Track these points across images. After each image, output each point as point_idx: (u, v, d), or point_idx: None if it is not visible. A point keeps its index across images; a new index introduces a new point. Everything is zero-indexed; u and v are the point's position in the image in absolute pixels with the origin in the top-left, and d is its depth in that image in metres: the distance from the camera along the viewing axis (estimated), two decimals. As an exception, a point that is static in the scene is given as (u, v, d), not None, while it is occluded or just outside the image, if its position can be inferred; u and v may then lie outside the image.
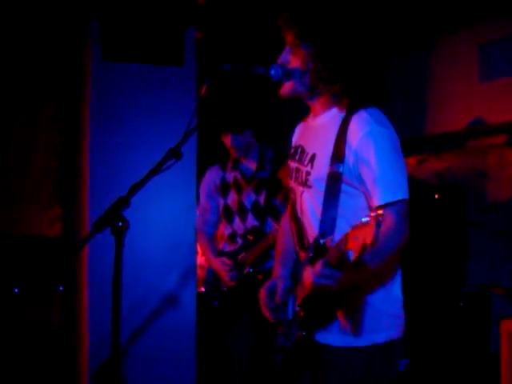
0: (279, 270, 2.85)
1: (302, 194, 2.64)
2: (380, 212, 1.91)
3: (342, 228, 2.44)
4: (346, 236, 2.02)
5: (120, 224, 2.32)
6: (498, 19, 4.92)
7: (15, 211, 5.36)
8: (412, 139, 5.44)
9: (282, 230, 2.98)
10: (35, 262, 5.16)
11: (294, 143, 2.83)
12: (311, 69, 2.51)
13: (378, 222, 1.90)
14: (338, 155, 2.46)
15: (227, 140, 4.21)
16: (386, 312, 2.58)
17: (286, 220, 2.97)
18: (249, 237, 4.16)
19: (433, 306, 4.98)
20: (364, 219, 1.96)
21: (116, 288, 2.35)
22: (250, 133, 4.18)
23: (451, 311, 4.95)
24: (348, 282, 2.29)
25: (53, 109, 5.47)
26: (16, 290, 4.98)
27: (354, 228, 1.99)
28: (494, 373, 4.36)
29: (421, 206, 5.04)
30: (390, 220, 2.36)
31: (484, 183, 5.24)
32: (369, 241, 1.91)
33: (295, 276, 2.73)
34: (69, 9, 4.63)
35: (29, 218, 5.41)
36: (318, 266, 2.20)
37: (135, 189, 2.39)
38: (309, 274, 2.26)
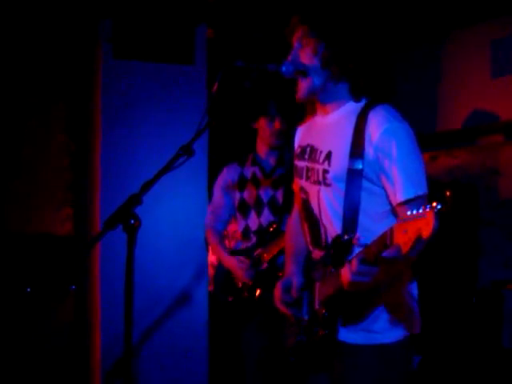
0: (292, 268, 2.85)
1: (318, 192, 2.60)
2: (434, 204, 1.86)
3: (363, 224, 2.46)
4: (392, 230, 2.00)
5: (132, 222, 2.31)
6: (510, 15, 4.89)
7: (28, 210, 5.37)
8: (423, 136, 5.39)
9: (292, 230, 2.97)
10: (47, 260, 5.16)
11: (299, 143, 2.80)
12: (322, 55, 2.49)
13: (437, 214, 1.84)
14: (357, 151, 2.44)
15: (268, 125, 4.13)
16: (409, 308, 2.57)
17: (294, 220, 2.96)
18: (272, 226, 4.11)
19: (445, 302, 4.98)
20: (411, 212, 1.92)
21: (128, 286, 2.33)
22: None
23: (464, 307, 4.95)
24: (383, 278, 2.29)
25: (64, 108, 5.47)
26: (28, 289, 4.98)
27: (401, 222, 1.95)
28: (506, 368, 4.37)
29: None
30: None
31: (496, 180, 5.22)
32: (426, 234, 1.85)
33: (308, 274, 2.73)
34: (80, 8, 4.63)
35: (42, 217, 5.41)
36: (355, 263, 2.18)
37: (147, 186, 2.38)
38: (346, 273, 2.24)
